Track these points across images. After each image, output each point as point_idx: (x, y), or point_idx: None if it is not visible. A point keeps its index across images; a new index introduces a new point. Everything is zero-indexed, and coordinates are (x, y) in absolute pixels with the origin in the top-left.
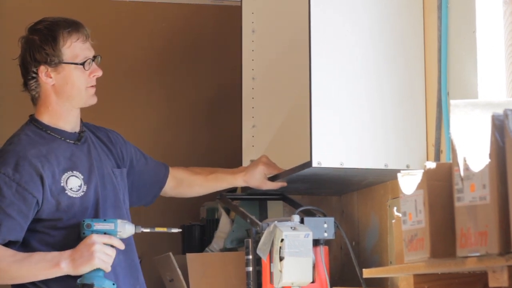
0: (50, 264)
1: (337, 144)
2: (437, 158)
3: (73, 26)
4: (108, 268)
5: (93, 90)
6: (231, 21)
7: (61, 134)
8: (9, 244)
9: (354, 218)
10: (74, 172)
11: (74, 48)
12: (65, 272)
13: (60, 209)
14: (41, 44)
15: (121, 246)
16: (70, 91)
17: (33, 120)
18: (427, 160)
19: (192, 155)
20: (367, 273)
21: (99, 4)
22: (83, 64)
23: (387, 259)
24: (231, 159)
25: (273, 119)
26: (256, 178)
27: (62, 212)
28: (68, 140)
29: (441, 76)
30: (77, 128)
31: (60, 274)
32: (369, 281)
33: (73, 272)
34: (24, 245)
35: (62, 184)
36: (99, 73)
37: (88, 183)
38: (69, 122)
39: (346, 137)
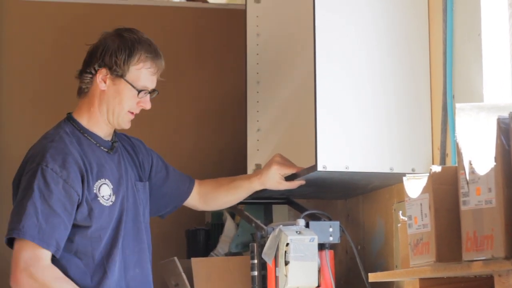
0: None
1: (342, 147)
2: (442, 161)
3: (154, 54)
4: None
5: (131, 117)
6: (235, 25)
7: (97, 139)
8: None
9: (360, 222)
10: (106, 180)
11: (141, 73)
12: None
13: (91, 216)
14: (117, 50)
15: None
16: (113, 105)
17: (71, 119)
18: (433, 163)
19: (197, 158)
20: (373, 277)
21: (103, 8)
22: (139, 91)
23: (392, 263)
24: (236, 162)
25: (278, 123)
26: (271, 180)
27: (93, 219)
28: (102, 147)
29: (446, 79)
30: (109, 137)
31: None
32: (375, 285)
33: None
34: None
35: (95, 191)
36: (147, 106)
37: (117, 193)
38: (104, 129)
39: (351, 141)
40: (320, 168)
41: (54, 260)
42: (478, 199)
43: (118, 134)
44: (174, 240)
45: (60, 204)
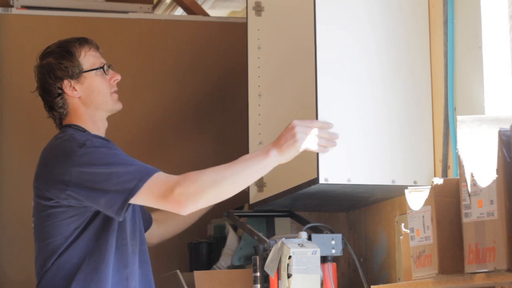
0: (261, 156)
1: (344, 160)
2: (444, 174)
3: (82, 39)
4: (314, 147)
5: (116, 95)
6: (237, 38)
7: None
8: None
9: (362, 234)
10: None
11: (89, 56)
12: (274, 160)
13: (108, 218)
14: (58, 61)
15: (326, 125)
16: (96, 98)
17: (72, 125)
18: (435, 176)
19: (195, 165)
20: None
21: (103, 22)
22: (102, 68)
23: (395, 276)
24: None
25: None
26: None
27: (110, 220)
28: None
29: (447, 92)
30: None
31: (271, 165)
32: None
33: (280, 158)
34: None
35: None
36: (118, 77)
37: None
38: (101, 131)
39: (353, 154)
40: (322, 181)
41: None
42: (480, 211)
43: None
44: (177, 253)
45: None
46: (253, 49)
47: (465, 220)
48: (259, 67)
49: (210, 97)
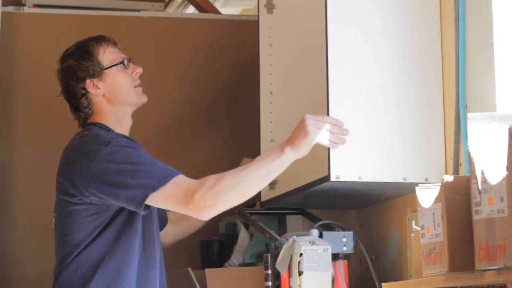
0: (275, 154)
1: (355, 158)
2: (456, 171)
3: (98, 38)
4: (325, 142)
5: (140, 89)
6: (249, 35)
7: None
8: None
9: (374, 232)
10: None
11: (108, 53)
12: (289, 157)
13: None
14: (78, 62)
15: (338, 122)
16: (120, 94)
17: (97, 123)
18: (446, 173)
19: (211, 168)
20: (386, 287)
21: (115, 21)
22: (122, 62)
23: (407, 273)
24: None
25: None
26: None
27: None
28: None
29: (459, 89)
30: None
31: (287, 162)
32: None
33: (296, 154)
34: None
35: None
36: (140, 69)
37: None
38: (125, 129)
39: (364, 151)
40: (333, 178)
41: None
42: (490, 209)
43: None
44: (189, 251)
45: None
46: (265, 47)
47: (475, 217)
48: (270, 64)
49: (222, 95)
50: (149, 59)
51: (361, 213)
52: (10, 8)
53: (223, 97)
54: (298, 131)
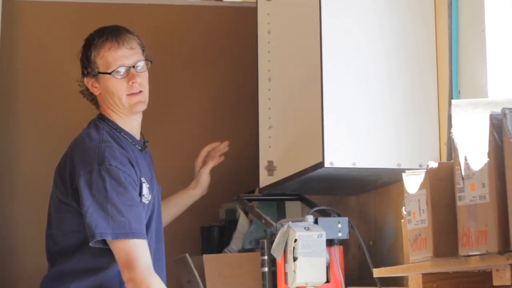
0: None
1: (349, 144)
2: (449, 157)
3: (106, 35)
4: None
5: (135, 97)
6: (248, 22)
7: (132, 138)
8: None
9: (371, 217)
10: (144, 178)
11: (107, 57)
12: None
13: None
14: (82, 57)
15: None
16: (112, 99)
17: (105, 119)
18: (440, 159)
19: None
20: (377, 272)
21: (117, 8)
22: (110, 73)
23: (403, 259)
24: (248, 160)
25: (289, 120)
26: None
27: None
28: (136, 146)
29: (452, 75)
30: (138, 137)
31: None
32: (387, 280)
33: None
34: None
35: (141, 188)
36: (136, 79)
37: (152, 192)
38: (132, 128)
39: (358, 137)
40: (327, 164)
41: (99, 253)
42: (473, 195)
43: None
44: (190, 237)
45: (135, 195)
46: (263, 34)
47: (459, 203)
48: (269, 51)
49: (220, 82)
50: (150, 46)
51: (359, 199)
52: None
53: (221, 84)
54: None
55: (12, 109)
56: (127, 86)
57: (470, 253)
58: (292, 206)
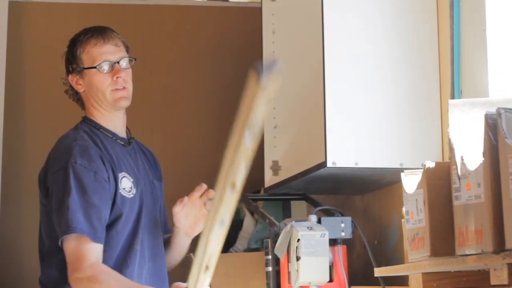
0: None
1: (352, 144)
2: None
3: (92, 32)
4: None
5: (119, 92)
6: (256, 22)
7: (113, 134)
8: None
9: (376, 217)
10: (125, 173)
11: (92, 53)
12: None
13: (115, 208)
14: (67, 54)
15: None
16: (96, 95)
17: (86, 119)
18: (443, 159)
19: (215, 154)
20: (378, 272)
21: (123, 9)
22: (95, 67)
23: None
24: (253, 159)
25: (294, 120)
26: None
27: (117, 211)
28: (118, 141)
29: (454, 75)
30: (123, 134)
31: None
32: (391, 279)
33: None
34: None
35: (117, 183)
36: (120, 74)
37: (137, 187)
38: (115, 125)
39: (360, 137)
40: (329, 164)
41: None
42: (469, 194)
43: (135, 140)
44: (195, 237)
45: (97, 196)
46: (268, 34)
47: (455, 203)
48: (273, 51)
49: (225, 82)
50: (156, 47)
51: (364, 198)
52: None
53: (226, 84)
54: None
55: (19, 110)
56: (111, 81)
57: (467, 253)
58: (298, 206)
